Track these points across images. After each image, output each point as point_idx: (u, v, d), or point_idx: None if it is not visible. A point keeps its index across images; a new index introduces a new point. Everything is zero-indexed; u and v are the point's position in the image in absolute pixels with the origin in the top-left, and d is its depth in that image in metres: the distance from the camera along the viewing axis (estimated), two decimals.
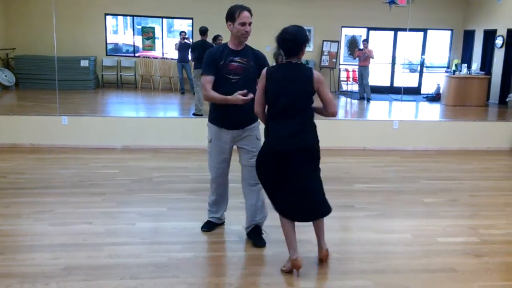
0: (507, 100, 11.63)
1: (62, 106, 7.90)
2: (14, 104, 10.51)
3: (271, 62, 13.95)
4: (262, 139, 3.70)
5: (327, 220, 3.64)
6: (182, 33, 12.01)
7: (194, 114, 8.93)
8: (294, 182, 3.39)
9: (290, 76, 3.37)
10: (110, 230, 4.14)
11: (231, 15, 3.71)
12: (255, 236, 3.96)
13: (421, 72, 14.12)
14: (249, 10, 3.73)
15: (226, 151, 3.93)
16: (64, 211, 4.57)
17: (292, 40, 3.34)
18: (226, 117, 3.81)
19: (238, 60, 3.76)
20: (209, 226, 4.20)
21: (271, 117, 3.43)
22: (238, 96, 3.56)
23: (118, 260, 3.59)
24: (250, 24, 3.72)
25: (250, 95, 3.56)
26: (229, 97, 3.61)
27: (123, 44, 14.23)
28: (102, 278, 3.32)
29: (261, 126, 3.72)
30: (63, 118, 7.26)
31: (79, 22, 12.31)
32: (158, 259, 3.63)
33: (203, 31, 9.32)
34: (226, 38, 4.03)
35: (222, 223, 4.27)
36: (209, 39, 9.44)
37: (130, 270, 3.44)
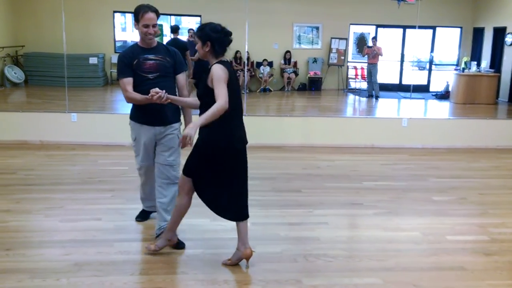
0: None
1: (71, 103, 7.93)
2: (23, 101, 10.55)
3: (279, 59, 13.77)
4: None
5: (335, 217, 3.62)
6: (190, 30, 12.01)
7: None
8: (241, 181, 3.43)
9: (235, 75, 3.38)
10: (119, 226, 4.16)
11: (136, 15, 3.64)
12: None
13: (430, 70, 14.03)
14: (154, 11, 3.64)
15: (150, 148, 3.86)
16: (73, 207, 4.59)
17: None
18: (149, 113, 3.71)
19: (152, 57, 3.70)
20: (143, 216, 4.30)
21: (231, 116, 3.23)
22: (158, 95, 3.43)
23: (127, 256, 3.61)
24: (154, 25, 3.65)
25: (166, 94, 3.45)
26: (149, 96, 3.48)
27: (131, 41, 14.24)
28: (112, 274, 3.33)
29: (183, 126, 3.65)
30: (72, 115, 7.29)
31: (88, 20, 12.35)
32: (167, 255, 3.64)
33: (175, 29, 9.46)
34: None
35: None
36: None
37: (139, 266, 3.46)
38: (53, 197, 4.85)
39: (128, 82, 3.67)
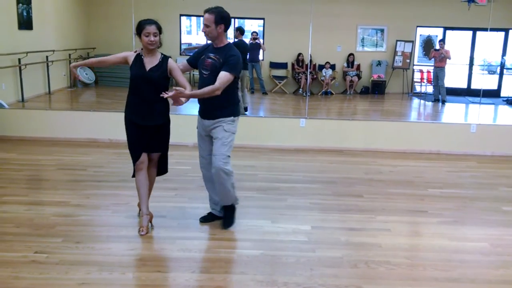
0: None
1: None
2: (93, 101, 11.03)
3: (342, 62, 13.59)
4: (231, 131, 4.10)
5: (398, 224, 3.53)
6: (253, 33, 12.12)
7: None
8: None
9: None
10: (182, 224, 4.26)
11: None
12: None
13: (501, 74, 13.41)
14: (207, 11, 4.01)
15: (201, 140, 4.19)
16: None
17: None
18: (201, 107, 4.12)
19: (212, 56, 3.98)
20: (206, 218, 4.34)
21: None
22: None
23: (189, 253, 3.69)
24: (207, 26, 3.98)
25: None
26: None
27: (196, 43, 14.56)
28: (174, 271, 3.42)
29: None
30: None
31: None
32: (227, 255, 3.70)
33: (242, 31, 9.58)
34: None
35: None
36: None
37: (200, 264, 3.53)
38: (120, 194, 5.03)
39: (183, 63, 4.38)
